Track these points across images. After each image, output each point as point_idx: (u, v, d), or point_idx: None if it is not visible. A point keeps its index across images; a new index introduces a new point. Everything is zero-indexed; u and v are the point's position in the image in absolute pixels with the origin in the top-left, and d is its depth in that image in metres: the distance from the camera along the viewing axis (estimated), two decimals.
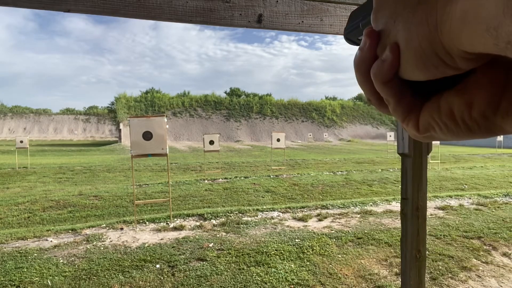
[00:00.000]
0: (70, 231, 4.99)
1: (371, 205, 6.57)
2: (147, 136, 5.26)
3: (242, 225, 5.18)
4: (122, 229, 5.07)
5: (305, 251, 4.08)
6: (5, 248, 4.28)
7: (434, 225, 5.15)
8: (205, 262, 3.78)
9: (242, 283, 3.28)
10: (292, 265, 3.68)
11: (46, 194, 7.79)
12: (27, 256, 3.96)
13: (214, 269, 3.59)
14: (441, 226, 5.13)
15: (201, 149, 18.75)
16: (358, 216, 5.76)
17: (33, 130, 47.97)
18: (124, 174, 11.68)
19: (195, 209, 6.32)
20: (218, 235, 4.72)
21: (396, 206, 6.43)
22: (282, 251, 4.06)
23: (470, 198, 7.10)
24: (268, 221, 5.43)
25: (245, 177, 10.46)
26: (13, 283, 3.28)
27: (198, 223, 5.31)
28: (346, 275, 3.48)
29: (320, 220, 5.51)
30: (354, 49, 0.26)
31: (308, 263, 3.75)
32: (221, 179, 10.15)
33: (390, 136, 20.71)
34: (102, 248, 4.26)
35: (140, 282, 3.31)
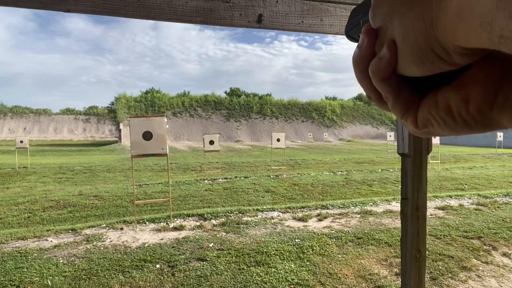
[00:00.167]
0: (70, 231, 4.99)
1: (371, 205, 6.57)
2: (147, 136, 5.26)
3: (242, 225, 5.18)
4: (122, 229, 5.07)
5: (305, 251, 4.08)
6: (5, 248, 4.28)
7: (434, 225, 5.15)
8: (205, 262, 3.78)
9: (242, 283, 3.28)
10: (292, 265, 3.68)
11: (46, 194, 7.79)
12: (27, 256, 3.96)
13: (214, 269, 3.59)
14: (441, 226, 5.13)
15: (201, 149, 18.75)
16: (358, 216, 5.76)
17: (33, 130, 47.97)
18: (124, 174, 11.68)
19: (195, 209, 6.32)
20: (218, 235, 4.72)
21: (396, 206, 6.43)
22: (282, 251, 4.06)
23: (470, 198, 7.10)
24: (268, 221, 5.43)
25: (245, 177, 10.46)
26: (13, 283, 3.28)
27: (198, 223, 5.31)
28: (346, 275, 3.48)
29: (320, 220, 5.51)
30: (354, 48, 0.26)
31: (308, 263, 3.75)
32: (221, 179, 10.15)
33: (390, 136, 20.72)
34: (102, 248, 4.26)
35: (140, 282, 3.31)
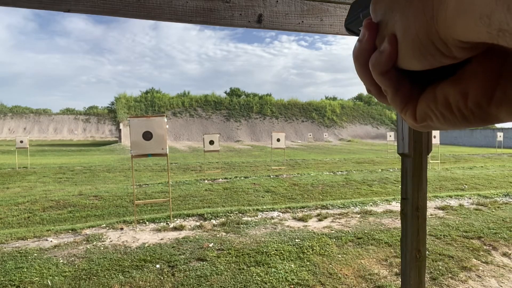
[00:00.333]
0: (70, 231, 4.99)
1: (371, 205, 6.57)
2: (147, 136, 5.26)
3: (242, 225, 5.18)
4: (122, 229, 5.07)
5: (305, 251, 4.08)
6: (5, 248, 4.28)
7: (434, 225, 5.15)
8: (205, 262, 3.78)
9: (242, 283, 3.28)
10: (292, 265, 3.68)
11: (46, 194, 7.79)
12: (27, 256, 3.96)
13: (214, 269, 3.59)
14: (441, 226, 5.12)
15: (201, 149, 18.75)
16: (358, 216, 5.76)
17: (33, 130, 47.97)
18: (124, 174, 11.68)
19: (195, 209, 6.32)
20: (218, 235, 4.72)
21: (396, 206, 6.43)
22: (282, 251, 4.06)
23: (470, 198, 7.10)
24: (268, 221, 5.43)
25: (245, 177, 10.46)
26: (13, 283, 3.28)
27: (198, 223, 5.31)
28: (346, 275, 3.48)
29: (320, 220, 5.51)
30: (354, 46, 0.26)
31: (308, 263, 3.75)
32: (221, 179, 10.15)
33: (390, 136, 20.72)
34: (102, 248, 4.26)
35: (140, 282, 3.31)
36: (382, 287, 3.22)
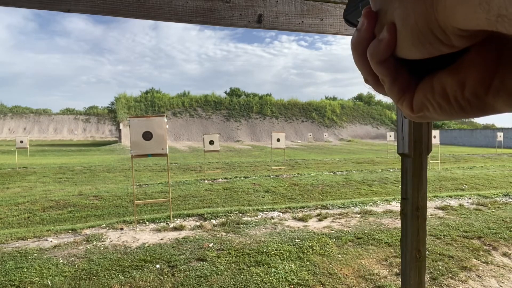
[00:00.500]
0: (70, 231, 4.99)
1: (371, 205, 6.57)
2: (147, 136, 5.26)
3: (242, 225, 5.18)
4: (122, 229, 5.07)
5: (305, 251, 4.08)
6: (5, 248, 4.28)
7: (434, 225, 5.15)
8: (205, 262, 3.78)
9: (242, 283, 3.28)
10: (292, 265, 3.68)
11: (46, 194, 7.79)
12: (27, 256, 3.96)
13: (214, 269, 3.59)
14: (441, 226, 5.12)
15: (201, 149, 18.75)
16: (358, 216, 5.76)
17: (33, 130, 47.97)
18: (124, 174, 11.68)
19: (195, 209, 6.32)
20: (218, 235, 4.72)
21: (396, 206, 6.43)
22: (282, 251, 4.06)
23: (470, 198, 7.10)
24: (268, 221, 5.43)
25: (245, 177, 10.46)
26: (13, 283, 3.28)
27: (198, 223, 5.31)
28: (346, 275, 3.48)
29: (320, 220, 5.51)
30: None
31: (308, 263, 3.75)
32: (221, 179, 10.15)
33: (390, 136, 20.73)
34: (102, 248, 4.26)
35: (140, 282, 3.31)
36: (382, 287, 3.22)
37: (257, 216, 5.79)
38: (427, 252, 3.61)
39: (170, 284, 3.29)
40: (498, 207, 6.29)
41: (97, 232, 4.89)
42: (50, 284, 3.26)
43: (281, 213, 5.97)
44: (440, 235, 4.69)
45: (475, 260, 3.84)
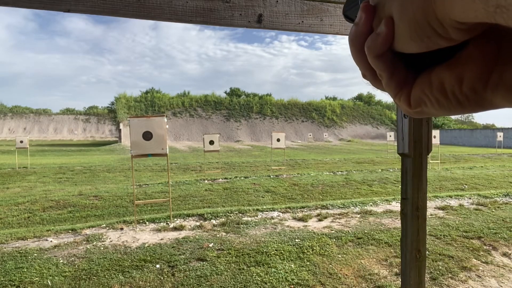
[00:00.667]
0: (70, 231, 4.99)
1: (371, 205, 6.57)
2: (147, 136, 5.26)
3: (242, 225, 5.18)
4: (122, 229, 5.07)
5: (305, 251, 4.08)
6: (5, 248, 4.28)
7: (434, 225, 5.15)
8: (205, 262, 3.78)
9: (242, 283, 3.28)
10: (292, 265, 3.68)
11: (46, 194, 7.79)
12: (27, 256, 3.96)
13: (214, 269, 3.59)
14: (441, 226, 5.12)
15: (201, 149, 18.75)
16: (358, 216, 5.76)
17: (33, 130, 47.98)
18: (124, 174, 11.68)
19: (195, 209, 6.32)
20: (218, 235, 4.72)
21: (396, 206, 6.43)
22: (282, 251, 4.06)
23: (470, 198, 7.10)
24: (268, 221, 5.43)
25: (245, 177, 10.46)
26: (13, 283, 3.28)
27: (198, 223, 5.31)
28: (346, 275, 3.48)
29: (320, 220, 5.51)
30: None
31: (308, 263, 3.75)
32: (221, 179, 10.15)
33: (390, 136, 20.73)
34: (102, 248, 4.26)
35: (140, 282, 3.31)
36: (382, 287, 3.22)
37: (257, 216, 5.78)
38: (427, 252, 3.61)
39: (170, 284, 3.29)
40: (498, 207, 6.29)
41: (97, 232, 4.89)
42: (50, 284, 3.26)
43: (281, 213, 5.97)
44: (440, 235, 4.69)
45: (475, 260, 3.84)
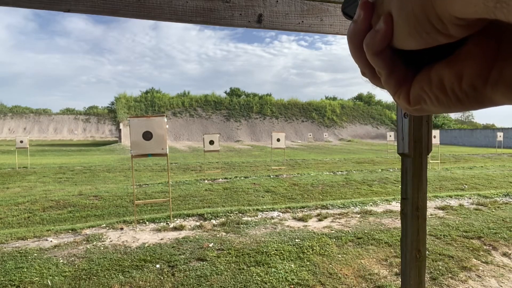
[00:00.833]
0: (70, 231, 4.99)
1: (371, 205, 6.57)
2: (147, 136, 5.26)
3: (242, 225, 5.18)
4: (122, 229, 5.07)
5: (305, 251, 4.08)
6: (5, 248, 4.28)
7: (434, 225, 5.15)
8: (205, 262, 3.78)
9: (242, 283, 3.28)
10: (292, 265, 3.68)
11: (46, 194, 7.79)
12: (27, 256, 3.96)
13: (214, 269, 3.59)
14: (441, 226, 5.12)
15: (201, 149, 18.75)
16: (358, 216, 5.76)
17: (33, 130, 47.98)
18: (124, 174, 11.68)
19: (195, 209, 6.32)
20: (218, 235, 4.72)
21: (396, 206, 6.43)
22: (282, 251, 4.06)
23: (470, 198, 7.10)
24: (268, 221, 5.43)
25: (245, 177, 10.46)
26: (13, 283, 3.28)
27: (198, 223, 5.31)
28: (346, 275, 3.48)
29: (320, 220, 5.51)
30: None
31: (308, 263, 3.75)
32: (221, 179, 10.15)
33: (390, 136, 20.74)
34: (102, 248, 4.26)
35: (140, 282, 3.31)
36: (382, 287, 3.22)
37: (257, 216, 5.78)
38: (427, 252, 3.61)
39: (170, 284, 3.29)
40: (498, 207, 6.29)
41: (97, 232, 4.89)
42: (50, 284, 3.26)
43: (281, 213, 5.97)
44: (440, 235, 4.69)
45: (475, 260, 3.84)
